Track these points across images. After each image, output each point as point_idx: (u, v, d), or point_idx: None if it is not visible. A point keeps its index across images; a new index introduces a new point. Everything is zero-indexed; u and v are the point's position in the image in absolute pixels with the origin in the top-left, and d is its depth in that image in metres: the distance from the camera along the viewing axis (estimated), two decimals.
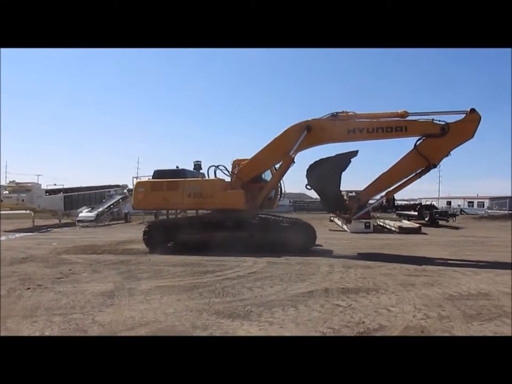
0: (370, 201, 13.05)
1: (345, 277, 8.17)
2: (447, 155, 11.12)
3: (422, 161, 11.11)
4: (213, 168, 13.10)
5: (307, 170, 11.94)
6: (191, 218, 13.49)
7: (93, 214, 26.22)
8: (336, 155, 11.70)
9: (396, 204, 29.58)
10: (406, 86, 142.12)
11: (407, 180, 11.52)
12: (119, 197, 30.79)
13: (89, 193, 31.77)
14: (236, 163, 13.07)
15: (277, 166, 12.73)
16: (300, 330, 4.89)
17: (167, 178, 12.97)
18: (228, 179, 13.01)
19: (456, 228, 23.73)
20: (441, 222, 25.81)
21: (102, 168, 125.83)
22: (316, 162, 11.87)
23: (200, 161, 14.70)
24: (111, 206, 29.00)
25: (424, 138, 11.15)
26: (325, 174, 11.61)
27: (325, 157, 11.84)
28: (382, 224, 23.25)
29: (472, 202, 64.04)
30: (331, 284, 7.52)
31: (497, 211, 43.56)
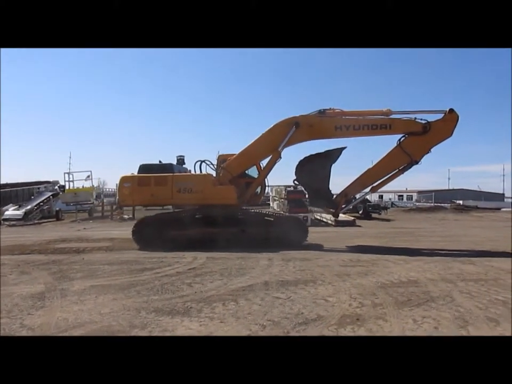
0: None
1: (284, 270, 8.30)
2: (428, 152, 11.68)
3: (405, 158, 11.62)
4: (198, 163, 12.77)
5: (297, 166, 12.14)
6: (183, 214, 12.90)
7: (20, 212, 24.57)
8: (326, 151, 12.00)
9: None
10: (405, 86, 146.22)
11: (390, 176, 12.00)
12: (50, 193, 29.04)
13: (16, 190, 29.87)
14: (222, 158, 12.82)
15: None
16: (240, 324, 4.91)
17: (154, 173, 12.51)
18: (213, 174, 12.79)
19: (388, 220, 24.98)
20: (374, 215, 27.09)
21: (30, 164, 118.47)
22: (305, 158, 12.11)
23: (183, 156, 14.18)
24: (41, 204, 27.30)
25: (406, 136, 11.64)
26: (315, 170, 11.87)
27: (311, 154, 12.10)
28: (319, 217, 23.90)
29: (402, 195, 67.73)
30: (271, 277, 7.61)
31: (424, 203, 46.30)
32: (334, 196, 12.64)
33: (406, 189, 68.06)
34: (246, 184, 12.64)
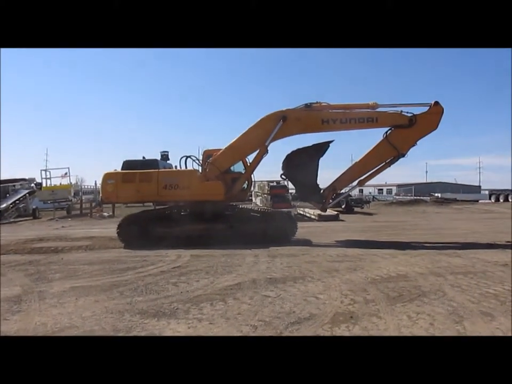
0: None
1: (272, 267, 8.13)
2: (414, 145, 11.68)
3: (391, 151, 11.59)
4: (184, 158, 12.45)
5: (284, 160, 11.99)
6: (169, 210, 12.64)
7: None
8: (313, 145, 11.88)
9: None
10: (405, 85, 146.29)
11: (377, 169, 11.96)
12: (26, 191, 28.21)
13: None
14: (208, 153, 12.51)
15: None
16: (230, 325, 4.71)
17: (139, 169, 12.22)
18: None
19: (370, 214, 25.10)
20: (356, 209, 27.21)
21: (4, 161, 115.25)
22: (293, 152, 11.96)
23: (167, 152, 13.84)
24: (17, 202, 26.50)
25: (393, 129, 11.59)
26: (303, 164, 11.74)
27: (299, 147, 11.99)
28: (302, 212, 23.85)
29: (382, 189, 68.43)
30: (258, 274, 7.42)
31: (404, 197, 46.83)
32: (322, 190, 12.51)
33: (386, 182, 68.82)
34: (232, 180, 12.40)
